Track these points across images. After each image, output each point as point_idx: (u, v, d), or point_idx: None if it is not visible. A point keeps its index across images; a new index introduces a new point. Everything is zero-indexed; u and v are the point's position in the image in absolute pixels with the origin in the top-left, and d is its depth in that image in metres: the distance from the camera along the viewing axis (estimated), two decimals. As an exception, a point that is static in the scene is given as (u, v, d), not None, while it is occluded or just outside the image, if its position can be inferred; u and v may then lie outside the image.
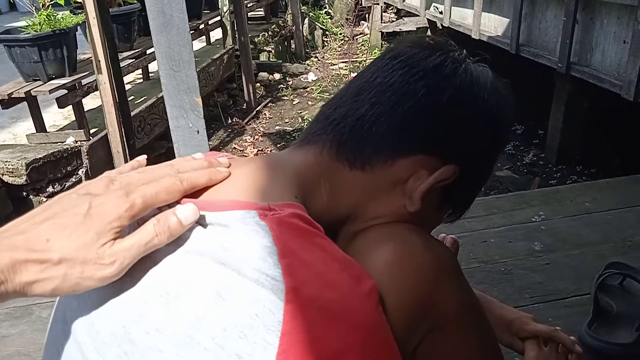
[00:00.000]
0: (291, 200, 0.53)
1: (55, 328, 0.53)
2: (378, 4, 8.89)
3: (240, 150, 5.26)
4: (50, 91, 3.68)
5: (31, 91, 3.68)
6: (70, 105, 3.90)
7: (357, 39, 9.36)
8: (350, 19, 9.51)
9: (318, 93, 6.85)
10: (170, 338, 0.43)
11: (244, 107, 6.35)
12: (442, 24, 6.60)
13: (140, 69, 5.26)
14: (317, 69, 7.92)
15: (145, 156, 0.58)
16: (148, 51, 4.98)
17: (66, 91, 3.81)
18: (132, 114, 4.18)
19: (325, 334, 0.43)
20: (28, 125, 4.08)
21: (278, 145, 5.29)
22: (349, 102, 0.61)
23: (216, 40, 7.03)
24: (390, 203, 0.60)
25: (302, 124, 5.85)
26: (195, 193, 0.53)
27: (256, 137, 5.60)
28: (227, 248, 0.46)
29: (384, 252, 0.54)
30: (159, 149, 4.66)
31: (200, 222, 0.49)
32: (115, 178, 0.49)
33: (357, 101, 0.60)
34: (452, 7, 6.30)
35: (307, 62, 8.25)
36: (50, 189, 3.62)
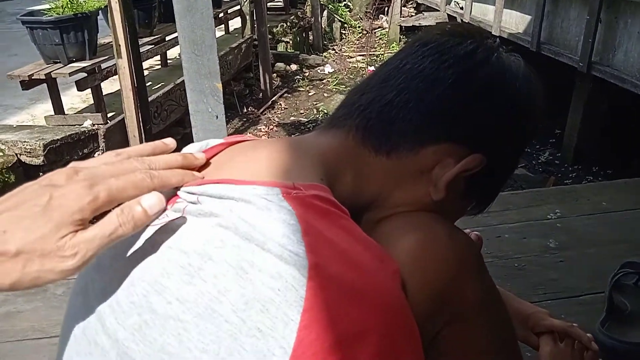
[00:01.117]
0: (317, 181, 0.52)
1: (75, 300, 0.54)
2: (398, -3, 8.83)
3: (255, 140, 5.26)
4: (70, 74, 3.71)
5: (51, 73, 3.72)
6: (89, 89, 3.94)
7: (375, 33, 9.30)
8: (369, 12, 9.45)
9: (334, 85, 6.84)
10: (191, 309, 0.44)
11: (260, 96, 6.36)
12: (462, 20, 6.54)
13: (159, 55, 5.29)
14: (334, 61, 7.89)
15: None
16: (167, 38, 5.01)
17: (86, 74, 3.85)
18: (150, 99, 4.21)
19: (348, 312, 0.43)
20: (46, 107, 4.12)
21: (292, 136, 5.28)
22: (376, 88, 0.60)
23: (235, 29, 7.04)
24: (415, 191, 0.59)
25: (317, 116, 5.85)
26: (218, 171, 0.54)
27: (271, 127, 5.61)
28: (251, 223, 0.46)
29: (408, 241, 0.53)
30: (175, 135, 4.68)
31: (225, 197, 0.49)
32: (80, 169, 0.47)
33: (385, 87, 0.59)
34: (473, 3, 6.24)
35: (325, 54, 8.23)
36: (67, 171, 3.66)
